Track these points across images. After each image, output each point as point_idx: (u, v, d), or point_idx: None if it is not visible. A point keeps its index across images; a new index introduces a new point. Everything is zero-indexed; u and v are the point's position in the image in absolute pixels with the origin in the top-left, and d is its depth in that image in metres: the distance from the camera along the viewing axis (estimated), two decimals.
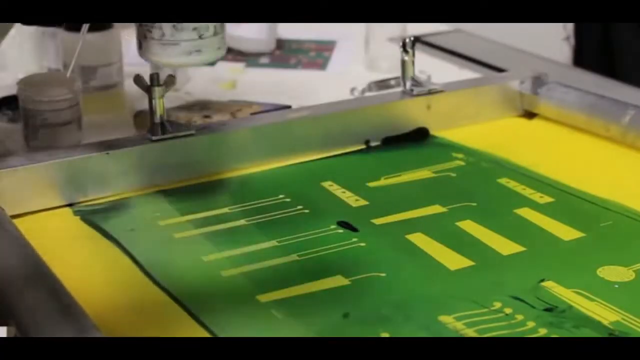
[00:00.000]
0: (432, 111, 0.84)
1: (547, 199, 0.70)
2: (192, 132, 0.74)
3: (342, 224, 0.66)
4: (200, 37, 0.72)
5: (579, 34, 1.80)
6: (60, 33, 0.93)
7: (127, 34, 0.92)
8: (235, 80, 1.05)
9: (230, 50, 0.99)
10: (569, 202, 0.70)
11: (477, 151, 0.80)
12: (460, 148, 0.81)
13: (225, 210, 0.69)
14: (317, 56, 1.02)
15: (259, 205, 0.70)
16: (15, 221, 0.64)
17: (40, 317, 0.49)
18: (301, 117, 0.79)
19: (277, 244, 0.64)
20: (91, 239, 0.65)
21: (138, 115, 0.87)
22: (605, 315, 0.54)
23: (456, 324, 0.53)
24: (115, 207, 0.69)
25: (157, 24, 0.71)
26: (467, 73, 1.07)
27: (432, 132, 0.84)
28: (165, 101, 0.73)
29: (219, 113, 0.88)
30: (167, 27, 0.71)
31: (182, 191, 0.72)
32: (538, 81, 0.88)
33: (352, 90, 0.98)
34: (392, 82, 0.98)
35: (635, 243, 0.64)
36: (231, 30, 1.03)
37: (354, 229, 0.65)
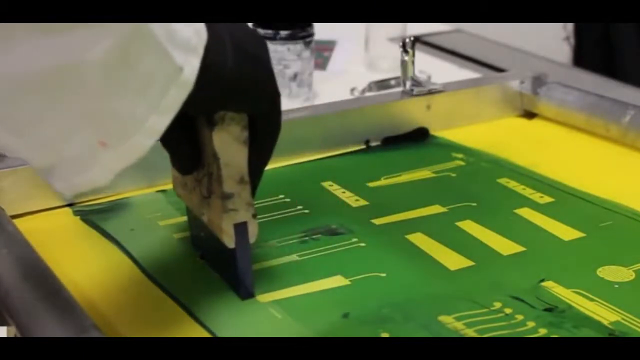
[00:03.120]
0: (432, 111, 0.84)
1: (547, 199, 0.70)
2: None
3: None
4: None
5: (579, 34, 1.80)
6: None
7: None
8: None
9: None
10: (569, 202, 0.70)
11: (477, 151, 0.80)
12: (460, 148, 0.81)
13: None
14: (317, 56, 1.02)
15: (259, 205, 0.69)
16: (15, 221, 0.64)
17: (40, 317, 0.49)
18: (301, 117, 0.79)
19: (277, 244, 0.63)
20: (91, 239, 0.65)
21: None
22: (605, 315, 0.54)
23: (456, 324, 0.53)
24: (115, 207, 0.69)
25: None
26: (467, 73, 1.07)
27: (432, 132, 0.84)
28: None
29: None
30: None
31: None
32: (538, 81, 0.88)
33: (352, 90, 0.98)
34: (392, 82, 0.98)
35: (635, 243, 0.64)
36: None
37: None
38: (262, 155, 0.56)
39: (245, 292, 0.57)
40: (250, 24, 0.53)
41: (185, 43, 0.46)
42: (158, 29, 0.44)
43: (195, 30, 0.47)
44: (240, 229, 0.55)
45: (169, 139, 0.52)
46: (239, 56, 0.50)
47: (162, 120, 0.46)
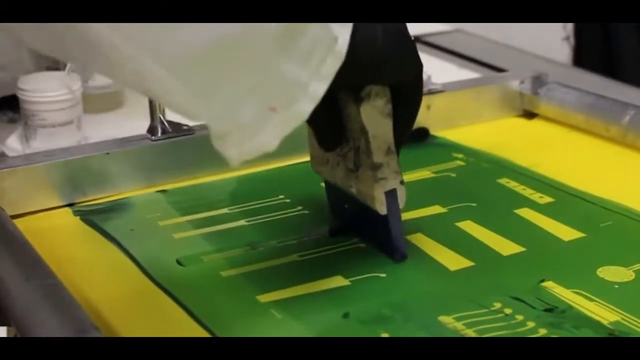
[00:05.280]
0: (432, 111, 0.84)
1: (547, 199, 0.70)
2: (192, 132, 0.74)
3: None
4: None
5: (579, 34, 1.80)
6: None
7: None
8: None
9: None
10: (569, 202, 0.70)
11: (477, 151, 0.80)
12: (460, 148, 0.81)
13: (225, 210, 0.69)
14: None
15: (259, 206, 0.69)
16: (15, 221, 0.64)
17: (40, 317, 0.49)
18: None
19: (277, 244, 0.63)
20: (91, 239, 0.65)
21: None
22: (605, 315, 0.54)
23: (456, 324, 0.53)
24: (115, 207, 0.69)
25: None
26: (467, 73, 1.07)
27: (432, 132, 0.84)
28: None
29: None
30: None
31: (182, 191, 0.72)
32: (538, 81, 0.88)
33: None
34: None
35: (635, 243, 0.64)
36: None
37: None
38: (406, 124, 0.59)
39: (399, 255, 0.60)
40: None
41: None
42: None
43: None
44: (391, 195, 0.59)
45: (315, 119, 0.55)
46: (387, 31, 0.54)
47: (321, 87, 0.49)
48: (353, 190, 0.60)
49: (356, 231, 0.63)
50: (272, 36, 0.46)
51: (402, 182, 0.59)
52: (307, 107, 0.49)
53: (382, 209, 0.59)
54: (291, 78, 0.48)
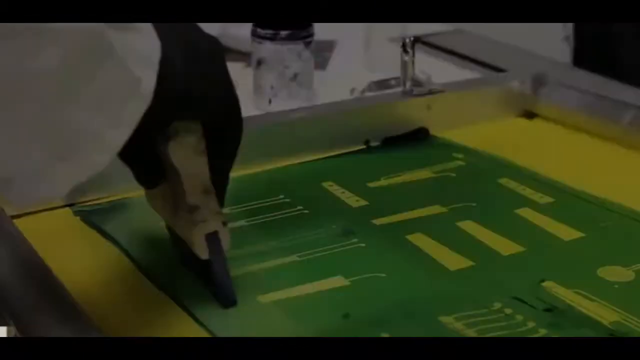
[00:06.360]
0: (432, 111, 0.84)
1: (547, 199, 0.70)
2: None
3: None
4: None
5: (579, 34, 1.80)
6: None
7: None
8: (235, 81, 1.04)
9: (230, 51, 0.99)
10: (569, 202, 0.70)
11: (477, 151, 0.80)
12: (460, 148, 0.81)
13: (225, 210, 0.69)
14: (317, 56, 1.02)
15: (259, 205, 0.69)
16: (15, 221, 0.64)
17: (40, 317, 0.49)
18: (301, 117, 0.79)
19: (277, 244, 0.63)
20: (91, 239, 0.65)
21: None
22: (605, 315, 0.54)
23: (456, 324, 0.53)
24: (115, 208, 0.69)
25: None
26: (467, 73, 1.07)
27: (432, 132, 0.84)
28: None
29: None
30: None
31: None
32: (538, 81, 0.88)
33: (352, 90, 0.98)
34: (392, 82, 0.97)
35: (635, 243, 0.64)
36: (231, 30, 1.03)
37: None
38: (226, 161, 0.55)
39: (226, 301, 0.55)
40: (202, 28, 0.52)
41: (141, 56, 0.45)
42: (117, 40, 0.43)
43: (151, 42, 0.46)
44: (212, 239, 0.54)
45: (126, 154, 0.50)
46: (189, 65, 0.49)
47: (120, 135, 0.45)
48: (178, 231, 0.56)
49: (194, 270, 0.58)
50: (55, 77, 0.42)
51: (225, 224, 0.54)
52: (102, 158, 0.45)
53: (203, 253, 0.54)
54: (81, 125, 0.43)
